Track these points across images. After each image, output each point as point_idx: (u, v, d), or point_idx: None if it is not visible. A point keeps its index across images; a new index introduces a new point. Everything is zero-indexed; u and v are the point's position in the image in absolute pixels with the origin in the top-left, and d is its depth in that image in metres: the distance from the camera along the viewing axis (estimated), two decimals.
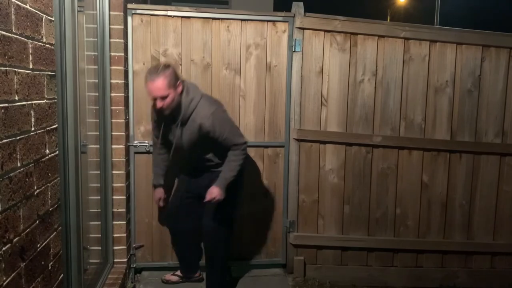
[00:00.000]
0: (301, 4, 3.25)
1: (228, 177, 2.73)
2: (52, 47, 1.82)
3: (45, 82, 1.75)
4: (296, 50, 3.25)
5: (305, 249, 3.43)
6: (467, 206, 3.50)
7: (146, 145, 3.16)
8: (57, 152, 1.89)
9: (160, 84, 2.51)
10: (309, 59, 3.28)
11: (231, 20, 3.21)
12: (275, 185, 3.39)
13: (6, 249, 1.43)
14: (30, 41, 1.60)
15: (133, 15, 3.09)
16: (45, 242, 1.76)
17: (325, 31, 3.26)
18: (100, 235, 2.96)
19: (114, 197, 3.04)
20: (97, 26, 2.79)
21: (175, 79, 2.58)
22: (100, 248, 2.97)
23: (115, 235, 3.07)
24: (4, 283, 1.41)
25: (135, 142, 3.18)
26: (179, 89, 2.62)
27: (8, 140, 1.44)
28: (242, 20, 3.21)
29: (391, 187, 3.44)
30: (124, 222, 3.08)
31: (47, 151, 1.78)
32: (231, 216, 2.94)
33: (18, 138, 1.52)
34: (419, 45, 3.34)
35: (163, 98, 2.54)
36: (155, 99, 2.57)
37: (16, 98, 1.50)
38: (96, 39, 2.79)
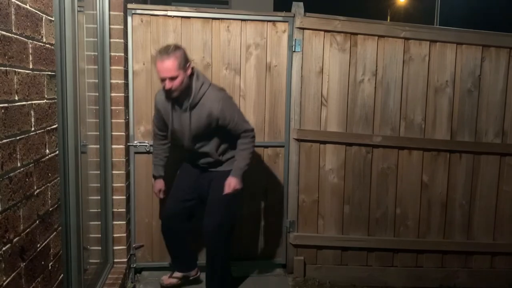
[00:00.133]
0: (301, 4, 3.25)
1: (243, 166, 2.74)
2: (52, 47, 1.82)
3: (45, 82, 1.75)
4: (296, 50, 3.25)
5: (305, 249, 3.43)
6: (467, 206, 3.50)
7: (146, 145, 3.16)
8: (57, 152, 1.90)
9: (170, 64, 2.49)
10: (309, 59, 3.28)
11: (231, 20, 3.21)
12: (275, 185, 3.39)
13: (6, 249, 1.43)
14: (30, 41, 1.60)
15: (133, 15, 3.10)
16: (45, 242, 1.76)
17: (325, 31, 3.26)
18: (100, 235, 2.96)
19: (114, 197, 3.04)
20: (97, 26, 2.79)
21: (185, 61, 2.57)
22: (100, 248, 2.97)
23: (115, 235, 3.07)
24: (4, 283, 1.41)
25: (135, 142, 3.18)
26: (189, 71, 2.60)
27: (8, 140, 1.44)
28: (242, 20, 3.21)
29: (391, 187, 3.44)
30: (124, 222, 3.08)
31: (47, 151, 1.78)
32: (232, 216, 2.93)
33: (18, 138, 1.52)
34: (419, 45, 3.34)
35: (172, 79, 2.51)
36: (163, 80, 2.54)
37: (16, 98, 1.50)
38: (96, 39, 2.79)
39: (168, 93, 2.59)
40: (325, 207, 3.42)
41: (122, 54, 2.96)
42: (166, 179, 3.02)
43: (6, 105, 1.43)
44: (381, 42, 3.31)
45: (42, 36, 1.71)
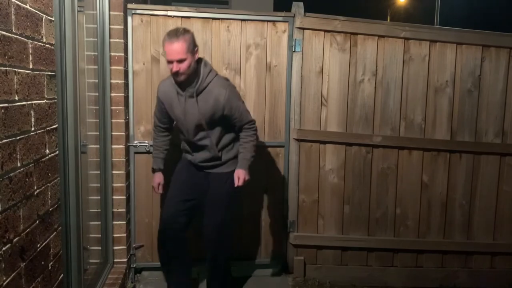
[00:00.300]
0: (301, 4, 3.25)
1: (249, 157, 2.74)
2: (52, 47, 1.82)
3: (45, 82, 1.75)
4: (296, 50, 3.25)
5: (305, 249, 3.43)
6: (467, 206, 3.50)
7: (146, 145, 3.16)
8: (57, 152, 1.89)
9: (179, 47, 2.47)
10: (309, 59, 3.28)
11: (231, 20, 3.21)
12: (275, 185, 3.39)
13: (6, 249, 1.43)
14: (30, 41, 1.60)
15: (133, 15, 3.10)
16: (45, 242, 1.76)
17: (325, 31, 3.26)
18: (100, 235, 2.96)
19: (114, 197, 3.04)
20: (97, 26, 2.79)
21: (193, 45, 2.56)
22: (100, 248, 2.97)
23: (115, 235, 3.07)
24: (4, 283, 1.41)
25: (135, 142, 3.18)
26: (197, 55, 2.59)
27: (8, 140, 1.44)
28: (242, 20, 3.21)
29: (391, 187, 3.44)
30: (124, 222, 3.08)
31: (47, 151, 1.78)
32: (232, 216, 2.92)
33: (18, 138, 1.52)
34: (419, 45, 3.34)
35: (180, 61, 2.49)
36: (171, 62, 2.51)
37: (16, 98, 1.50)
38: (96, 39, 2.79)
39: (175, 76, 2.56)
40: (325, 207, 3.42)
41: (122, 54, 2.96)
42: (165, 173, 2.91)
43: (6, 105, 1.43)
44: (381, 42, 3.31)
45: (42, 36, 1.71)
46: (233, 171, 2.74)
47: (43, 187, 1.73)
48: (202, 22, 3.17)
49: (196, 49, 2.58)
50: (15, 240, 1.49)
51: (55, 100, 1.87)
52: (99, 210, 2.93)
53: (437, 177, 3.45)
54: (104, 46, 2.86)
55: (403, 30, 3.30)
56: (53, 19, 1.82)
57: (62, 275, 1.97)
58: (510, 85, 3.43)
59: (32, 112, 1.63)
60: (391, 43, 3.32)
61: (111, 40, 2.91)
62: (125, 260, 3.11)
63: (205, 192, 2.80)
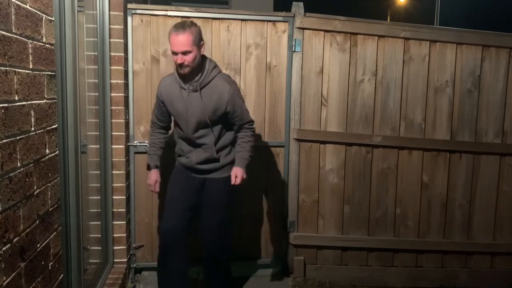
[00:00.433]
0: (301, 4, 3.25)
1: (247, 157, 2.73)
2: (52, 47, 1.82)
3: (45, 82, 1.75)
4: (296, 50, 3.25)
5: (305, 249, 3.43)
6: (467, 206, 3.50)
7: (146, 145, 3.16)
8: (57, 152, 1.90)
9: (184, 38, 2.46)
10: (309, 59, 3.28)
11: (231, 20, 3.21)
12: (275, 185, 3.39)
13: (6, 249, 1.43)
14: (30, 41, 1.60)
15: (133, 15, 3.10)
16: (45, 242, 1.76)
17: (325, 31, 3.26)
18: (100, 235, 2.96)
19: (114, 197, 3.04)
20: (97, 26, 2.79)
21: (199, 39, 2.55)
22: (100, 248, 2.97)
23: (115, 235, 3.07)
24: (4, 283, 1.41)
25: (135, 142, 3.18)
26: (202, 49, 2.59)
27: (8, 140, 1.44)
28: (242, 20, 3.21)
29: (391, 187, 3.44)
30: (124, 222, 3.08)
31: (47, 151, 1.78)
32: (232, 216, 2.92)
33: (18, 138, 1.52)
34: (419, 45, 3.34)
35: (185, 53, 2.48)
36: (176, 54, 2.50)
37: (16, 98, 1.50)
38: (96, 39, 2.79)
39: (179, 67, 2.55)
40: (325, 207, 3.42)
41: (122, 54, 2.96)
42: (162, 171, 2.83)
43: (6, 105, 1.43)
44: (381, 42, 3.31)
45: (42, 36, 1.71)
46: (229, 176, 2.68)
47: (43, 187, 1.73)
48: (202, 22, 3.17)
49: (202, 43, 2.58)
50: (15, 240, 1.49)
51: (55, 100, 1.87)
52: (99, 210, 2.93)
53: (437, 177, 3.45)
54: (104, 46, 2.86)
55: (403, 30, 3.30)
56: (53, 19, 1.82)
57: (62, 275, 1.97)
58: (510, 85, 3.43)
59: (32, 112, 1.63)
60: (391, 43, 3.32)
61: (111, 40, 2.91)
62: (125, 260, 3.11)
63: (202, 196, 2.76)
